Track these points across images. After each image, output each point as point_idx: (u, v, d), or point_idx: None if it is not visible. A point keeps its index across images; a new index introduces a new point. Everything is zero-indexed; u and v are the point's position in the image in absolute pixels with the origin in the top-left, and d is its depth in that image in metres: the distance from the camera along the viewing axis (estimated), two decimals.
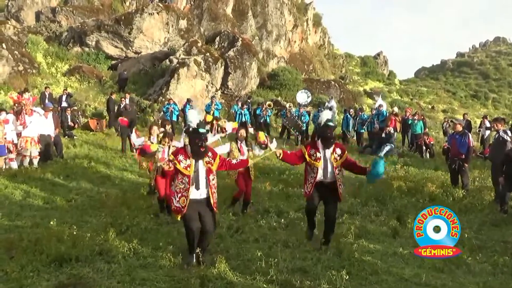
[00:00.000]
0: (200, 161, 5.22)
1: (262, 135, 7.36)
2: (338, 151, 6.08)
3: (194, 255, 5.29)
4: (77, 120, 17.03)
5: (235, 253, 5.76)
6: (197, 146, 5.16)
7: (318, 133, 6.32)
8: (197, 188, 5.17)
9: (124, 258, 5.35)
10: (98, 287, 4.54)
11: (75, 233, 6.03)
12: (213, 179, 5.32)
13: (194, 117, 5.42)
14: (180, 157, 5.17)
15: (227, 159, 5.78)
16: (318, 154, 6.00)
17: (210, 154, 5.34)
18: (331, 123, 6.11)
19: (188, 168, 5.14)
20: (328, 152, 6.02)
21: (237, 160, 5.94)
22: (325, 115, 6.30)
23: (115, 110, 17.05)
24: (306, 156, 6.06)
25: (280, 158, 6.02)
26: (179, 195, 5.15)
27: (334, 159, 6.00)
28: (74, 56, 24.63)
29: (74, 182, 10.13)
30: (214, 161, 5.33)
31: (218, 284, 4.73)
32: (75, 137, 15.44)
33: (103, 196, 8.79)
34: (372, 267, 5.28)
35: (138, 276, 4.84)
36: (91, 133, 16.85)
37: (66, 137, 15.02)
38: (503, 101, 50.67)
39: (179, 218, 5.22)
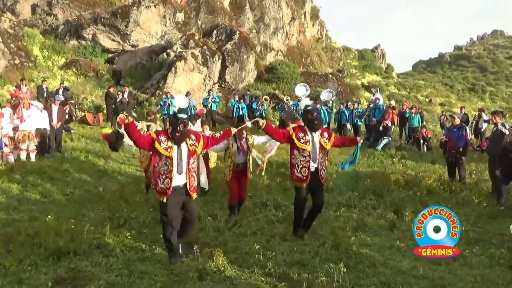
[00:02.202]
0: (184, 144, 5.18)
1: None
2: (326, 134, 6.21)
3: (177, 252, 5.25)
4: (74, 114, 16.97)
5: (233, 246, 5.77)
6: (174, 131, 5.09)
7: (303, 119, 6.37)
8: (180, 172, 5.12)
9: (122, 251, 5.36)
10: (97, 281, 4.55)
11: (73, 227, 6.04)
12: (193, 163, 5.28)
13: (179, 102, 5.48)
14: (162, 138, 5.12)
15: (212, 135, 5.77)
16: (307, 137, 6.05)
17: (193, 137, 5.31)
18: (309, 107, 6.28)
19: (169, 150, 5.09)
20: (316, 135, 6.09)
21: (220, 134, 5.83)
22: (303, 102, 6.56)
23: (113, 103, 17.00)
24: (294, 138, 6.06)
25: (262, 127, 5.99)
26: (163, 176, 5.10)
27: (324, 142, 6.11)
28: (70, 50, 24.51)
29: (71, 176, 10.13)
30: (198, 143, 5.31)
31: (216, 277, 4.74)
32: (72, 130, 15.40)
33: (100, 190, 8.78)
34: (369, 260, 5.30)
35: (136, 270, 4.86)
36: (88, 126, 16.81)
37: (63, 130, 14.96)
38: (500, 94, 50.69)
39: (165, 200, 5.10)
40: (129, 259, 5.17)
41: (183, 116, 5.14)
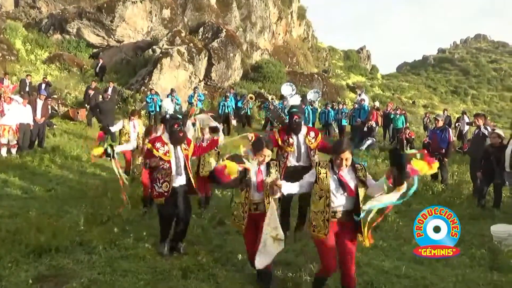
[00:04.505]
0: (179, 147, 5.36)
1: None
2: (312, 134, 6.22)
3: (166, 244, 5.40)
4: (56, 109, 16.72)
5: (218, 245, 5.76)
6: (176, 131, 5.28)
7: (288, 120, 6.42)
8: (180, 173, 5.31)
9: (105, 249, 5.30)
10: (78, 278, 4.48)
11: (55, 223, 5.96)
12: (190, 163, 5.52)
13: (169, 105, 5.65)
14: (158, 145, 5.28)
15: (199, 144, 5.93)
16: (290, 140, 6.13)
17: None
18: (295, 109, 6.26)
19: (167, 154, 5.26)
20: (301, 136, 6.16)
21: (207, 143, 5.93)
22: (291, 101, 6.41)
23: (95, 100, 16.67)
24: (279, 142, 6.15)
25: (252, 141, 6.03)
26: (161, 181, 5.24)
27: (309, 141, 6.14)
28: (54, 44, 24.12)
29: (53, 171, 9.98)
30: (189, 147, 5.51)
31: (200, 276, 4.73)
32: (54, 126, 15.17)
33: (83, 186, 8.68)
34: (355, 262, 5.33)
35: (119, 267, 4.80)
36: (71, 122, 16.58)
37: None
38: (482, 98, 51.60)
39: (163, 201, 5.28)
40: (112, 256, 5.11)
41: (180, 117, 5.42)
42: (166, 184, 5.22)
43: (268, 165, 4.50)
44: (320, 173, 4.09)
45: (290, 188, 4.15)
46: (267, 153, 4.35)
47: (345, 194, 3.96)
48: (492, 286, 4.89)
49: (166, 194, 5.23)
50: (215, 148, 7.28)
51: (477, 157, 8.94)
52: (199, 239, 5.94)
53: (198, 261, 4.97)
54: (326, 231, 3.98)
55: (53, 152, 11.44)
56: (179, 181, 5.34)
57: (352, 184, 4.00)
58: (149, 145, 5.32)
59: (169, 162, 5.25)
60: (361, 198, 3.98)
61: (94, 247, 5.33)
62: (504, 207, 8.45)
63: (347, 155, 4.02)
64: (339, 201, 4.00)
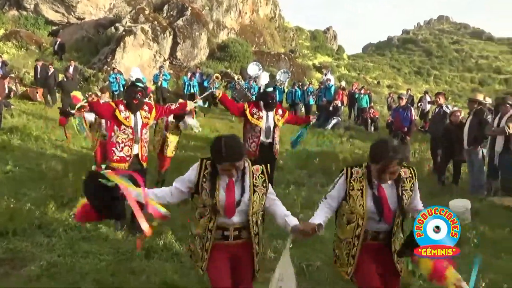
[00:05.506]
0: (138, 115, 5.23)
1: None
2: (280, 111, 6.55)
3: (120, 221, 5.29)
4: (13, 89, 16.06)
5: (181, 224, 5.70)
6: (131, 98, 5.15)
7: (260, 99, 6.58)
8: (136, 141, 5.21)
9: (65, 231, 5.16)
10: (37, 261, 4.36)
11: (12, 206, 5.75)
12: (145, 133, 5.35)
13: (135, 73, 5.61)
14: (121, 107, 5.15)
15: (166, 106, 5.72)
16: (260, 113, 6.32)
17: (146, 107, 5.35)
18: (270, 89, 6.51)
19: (128, 119, 5.14)
20: (271, 113, 6.40)
21: (176, 105, 5.78)
22: (263, 80, 6.69)
23: (55, 80, 16.10)
24: (248, 114, 6.30)
25: (219, 97, 6.29)
26: (122, 145, 5.12)
27: (277, 119, 6.43)
28: (10, 20, 23.13)
29: (11, 153, 9.61)
30: (150, 114, 5.36)
31: (164, 255, 4.69)
32: (12, 106, 14.60)
33: (43, 168, 8.41)
34: (318, 236, 5.38)
35: (80, 249, 4.69)
36: (30, 102, 16.00)
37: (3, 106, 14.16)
38: (444, 78, 52.92)
39: (123, 167, 5.09)
40: (72, 238, 4.99)
41: (141, 85, 5.22)
42: (128, 149, 5.12)
43: (243, 176, 2.96)
44: (353, 189, 2.99)
45: (325, 217, 3.09)
46: (240, 166, 2.85)
47: (380, 218, 2.94)
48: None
49: (128, 158, 5.12)
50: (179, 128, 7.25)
51: (438, 135, 9.17)
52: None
53: (161, 241, 4.92)
54: (350, 270, 3.03)
55: (11, 133, 11.02)
56: (134, 149, 5.22)
57: (392, 203, 2.97)
58: (113, 104, 5.18)
59: (131, 127, 5.13)
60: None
61: (53, 230, 5.18)
62: (462, 183, 8.74)
63: (394, 168, 2.83)
64: (375, 226, 3.00)
